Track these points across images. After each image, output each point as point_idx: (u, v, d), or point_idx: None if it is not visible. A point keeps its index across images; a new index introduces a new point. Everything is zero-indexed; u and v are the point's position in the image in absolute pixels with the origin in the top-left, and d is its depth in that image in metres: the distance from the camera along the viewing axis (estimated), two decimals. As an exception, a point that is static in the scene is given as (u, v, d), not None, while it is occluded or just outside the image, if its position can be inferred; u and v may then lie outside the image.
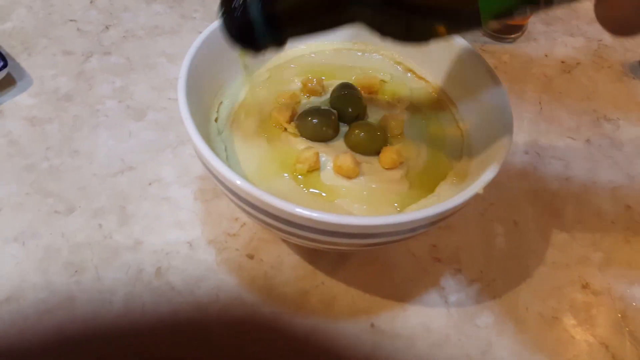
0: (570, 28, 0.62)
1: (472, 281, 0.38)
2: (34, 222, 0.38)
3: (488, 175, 0.29)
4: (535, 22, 0.62)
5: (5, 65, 0.46)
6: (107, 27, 0.54)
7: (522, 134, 0.49)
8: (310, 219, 0.26)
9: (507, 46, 0.58)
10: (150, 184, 0.41)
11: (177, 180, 0.41)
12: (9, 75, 0.47)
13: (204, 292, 0.35)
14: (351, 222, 0.26)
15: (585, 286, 0.38)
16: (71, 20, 0.54)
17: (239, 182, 0.27)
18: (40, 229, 0.38)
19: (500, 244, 0.40)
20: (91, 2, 0.57)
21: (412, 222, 0.27)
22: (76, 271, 0.36)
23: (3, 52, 0.49)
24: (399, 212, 0.31)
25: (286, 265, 0.37)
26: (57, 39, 0.52)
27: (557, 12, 0.64)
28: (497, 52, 0.57)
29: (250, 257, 0.37)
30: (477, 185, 0.28)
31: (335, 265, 0.37)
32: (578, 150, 0.48)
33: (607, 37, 0.61)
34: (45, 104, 0.46)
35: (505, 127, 0.32)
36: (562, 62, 0.57)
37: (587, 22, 0.62)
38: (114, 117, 0.45)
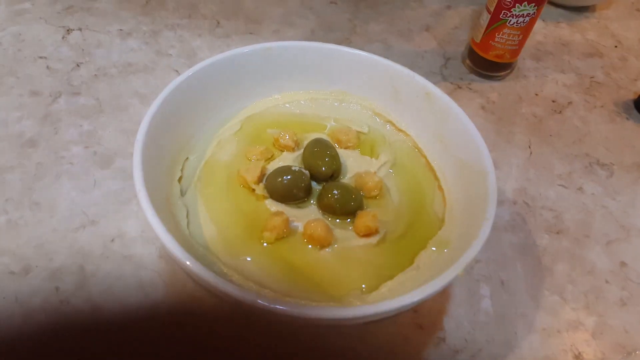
0: (562, 64, 0.60)
1: (457, 352, 0.35)
2: (-15, 284, 0.35)
3: (469, 254, 0.26)
4: (525, 58, 0.60)
5: (-35, 109, 0.43)
6: (78, 65, 0.52)
7: (510, 182, 0.46)
8: (271, 312, 0.24)
9: (495, 84, 0.56)
10: (112, 240, 0.38)
11: (142, 235, 0.39)
12: (-30, 118, 0.45)
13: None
14: (319, 315, 0.24)
15: (577, 356, 0.36)
16: (41, 58, 0.52)
17: (189, 263, 0.25)
18: (-7, 291, 0.35)
19: (487, 308, 0.38)
20: (63, 37, 0.54)
21: (384, 312, 0.24)
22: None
23: (-35, 94, 0.46)
24: (375, 291, 0.29)
25: (259, 327, 0.34)
26: (25, 77, 0.50)
27: (548, 46, 0.62)
28: (485, 91, 0.55)
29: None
30: (457, 267, 0.26)
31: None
32: (570, 200, 0.46)
33: (599, 74, 0.59)
34: (7, 150, 0.43)
35: (488, 196, 0.30)
36: (553, 101, 0.55)
37: (579, 57, 0.60)
38: (79, 164, 0.43)
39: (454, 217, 0.32)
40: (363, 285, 0.29)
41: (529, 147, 0.50)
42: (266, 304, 0.23)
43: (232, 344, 0.34)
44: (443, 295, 0.37)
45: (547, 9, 0.68)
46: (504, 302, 0.38)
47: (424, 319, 0.36)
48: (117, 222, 0.39)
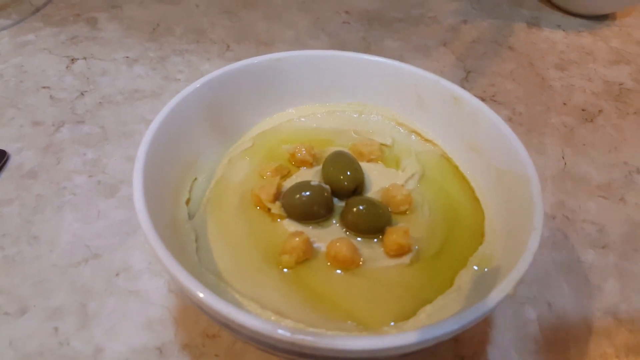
0: (588, 72, 0.57)
1: (505, 386, 0.31)
2: (-21, 327, 0.32)
3: (520, 269, 0.23)
4: (549, 68, 0.57)
5: (-37, 141, 0.41)
6: (82, 94, 0.50)
7: (546, 195, 0.42)
8: (296, 344, 0.20)
9: (520, 94, 0.53)
10: (117, 275, 0.35)
11: (149, 268, 0.35)
12: (-31, 151, 0.42)
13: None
14: (350, 347, 0.20)
15: (644, 386, 0.31)
16: (44, 88, 0.50)
17: (201, 294, 0.21)
18: (-14, 335, 0.32)
19: (535, 333, 0.33)
20: (67, 67, 0.53)
21: (427, 340, 0.20)
22: (24, 389, 0.30)
23: (-36, 126, 0.44)
24: (413, 316, 0.25)
25: (276, 375, 0.31)
26: (26, 108, 0.48)
27: (572, 55, 0.59)
28: (510, 102, 0.52)
29: (233, 364, 0.31)
30: (507, 284, 0.22)
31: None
32: (612, 212, 0.42)
33: (628, 81, 0.56)
34: (6, 182, 0.41)
35: (533, 201, 0.26)
36: (583, 110, 0.52)
37: (604, 65, 0.57)
38: (81, 194, 0.40)
39: (494, 230, 0.29)
40: (398, 312, 0.25)
41: (563, 157, 0.46)
42: (288, 334, 0.20)
43: (250, 386, 0.30)
44: (485, 321, 0.33)
45: (567, 19, 0.66)
46: (553, 326, 0.34)
47: (465, 349, 0.32)
48: (122, 254, 0.36)
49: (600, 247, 0.39)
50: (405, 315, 0.25)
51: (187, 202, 0.30)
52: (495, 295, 0.21)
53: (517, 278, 0.22)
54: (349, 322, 0.25)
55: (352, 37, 0.61)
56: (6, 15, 0.60)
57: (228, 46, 0.58)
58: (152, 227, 0.23)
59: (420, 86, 0.34)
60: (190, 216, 0.29)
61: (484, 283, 0.25)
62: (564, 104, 0.53)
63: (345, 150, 0.33)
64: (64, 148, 0.44)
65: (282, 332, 0.20)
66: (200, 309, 0.22)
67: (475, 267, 0.27)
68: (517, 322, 0.34)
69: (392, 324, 0.25)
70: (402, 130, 0.35)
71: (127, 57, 0.55)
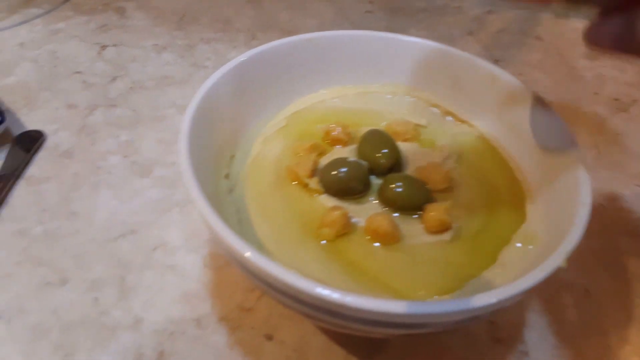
0: (619, 62, 0.56)
1: (543, 367, 0.30)
2: (22, 296, 0.33)
3: (571, 240, 0.22)
4: (579, 59, 0.57)
5: (2, 121, 0.42)
6: (113, 79, 0.50)
7: (580, 182, 0.42)
8: (338, 304, 0.20)
9: (549, 85, 0.53)
10: (154, 250, 0.35)
11: (185, 244, 0.36)
12: (7, 130, 0.43)
13: (214, 385, 0.29)
14: (397, 311, 0.20)
15: (683, 371, 0.31)
16: (76, 73, 0.51)
17: (248, 253, 0.21)
18: (29, 303, 0.32)
19: (572, 318, 0.33)
20: (98, 53, 0.53)
21: (483, 307, 0.20)
22: (66, 355, 0.30)
23: (2, 108, 0.45)
24: (459, 289, 0.25)
25: (313, 349, 0.31)
26: (60, 92, 0.48)
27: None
28: (539, 92, 0.51)
29: (269, 337, 0.31)
30: (559, 255, 0.22)
31: (373, 349, 0.31)
32: (648, 200, 0.41)
33: (662, 71, 0.55)
34: (43, 160, 0.42)
35: (577, 175, 0.26)
36: (616, 99, 0.51)
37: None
38: (117, 174, 0.41)
39: (537, 208, 0.29)
40: (440, 286, 0.25)
41: (596, 147, 0.46)
42: (339, 296, 0.20)
43: (288, 356, 0.30)
44: (521, 304, 0.33)
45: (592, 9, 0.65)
46: (590, 312, 0.34)
47: (502, 332, 0.32)
48: (159, 231, 0.37)
49: (638, 235, 0.38)
50: (449, 290, 0.25)
51: (227, 176, 0.31)
52: (547, 265, 0.21)
53: (569, 249, 0.22)
54: (391, 294, 0.25)
55: (376, 26, 0.61)
56: (38, 4, 0.61)
57: (254, 35, 0.58)
58: (200, 192, 0.24)
59: (455, 66, 0.34)
60: (230, 190, 0.30)
61: (529, 260, 0.25)
62: (595, 93, 0.52)
63: (381, 129, 0.33)
64: (98, 130, 0.45)
65: (322, 291, 0.20)
66: (246, 269, 0.22)
67: (519, 245, 0.27)
68: (554, 307, 0.34)
69: (435, 297, 0.25)
70: (436, 111, 0.35)
71: (156, 44, 0.56)
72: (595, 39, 0.23)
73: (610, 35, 0.22)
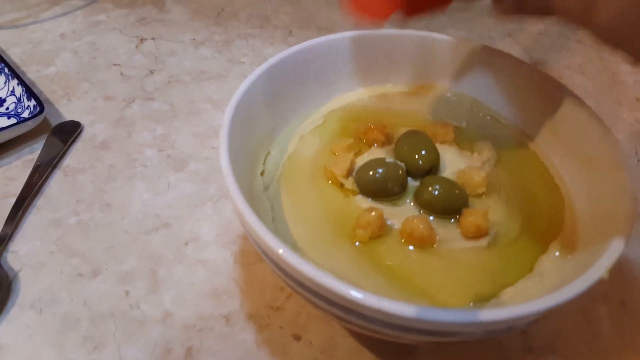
0: (663, 69, 0.54)
1: (576, 379, 0.30)
2: (54, 286, 0.33)
3: (614, 251, 0.22)
4: (620, 63, 0.55)
5: (42, 111, 0.43)
6: (151, 72, 0.51)
7: (620, 191, 0.41)
8: (373, 309, 0.20)
9: (589, 89, 0.51)
10: (186, 244, 0.36)
11: (216, 239, 0.36)
12: (45, 120, 0.44)
13: (242, 381, 0.29)
14: (432, 318, 0.19)
15: None
16: (115, 65, 0.52)
17: (281, 250, 0.21)
18: (61, 294, 0.33)
19: (606, 331, 0.32)
20: (137, 46, 0.54)
21: (517, 318, 0.20)
22: (95, 347, 0.31)
23: (42, 98, 0.46)
24: (494, 297, 0.24)
25: (340, 351, 0.30)
26: (99, 83, 0.49)
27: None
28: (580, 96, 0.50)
29: (297, 337, 0.31)
30: (601, 266, 0.21)
31: (402, 354, 0.30)
32: (692, 212, 0.40)
33: None
34: (79, 151, 0.42)
35: (621, 183, 0.25)
36: (659, 107, 0.50)
37: (682, 63, 0.55)
38: (152, 167, 0.41)
39: (577, 217, 0.28)
40: (476, 293, 0.25)
41: (636, 154, 0.44)
42: (375, 301, 0.20)
43: (316, 357, 0.30)
44: (554, 315, 0.32)
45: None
46: (625, 325, 0.33)
47: (534, 341, 0.31)
48: (191, 225, 0.37)
49: (679, 248, 0.37)
50: (485, 298, 0.25)
51: (262, 173, 0.30)
52: (590, 275, 0.21)
53: (612, 260, 0.21)
54: (426, 299, 0.25)
55: (414, 26, 0.60)
56: (79, -4, 0.62)
57: (290, 32, 0.58)
58: (238, 189, 0.24)
59: (496, 66, 0.33)
60: (265, 187, 0.30)
61: (567, 270, 0.25)
62: (637, 99, 0.50)
63: (420, 129, 0.32)
64: (135, 122, 0.45)
65: (356, 294, 0.20)
66: (280, 267, 0.22)
67: (557, 254, 0.26)
68: (587, 318, 0.33)
69: (471, 304, 0.24)
70: (476, 113, 0.35)
71: (194, 39, 0.56)
72: (500, 9, 0.26)
73: (511, 1, 0.25)
